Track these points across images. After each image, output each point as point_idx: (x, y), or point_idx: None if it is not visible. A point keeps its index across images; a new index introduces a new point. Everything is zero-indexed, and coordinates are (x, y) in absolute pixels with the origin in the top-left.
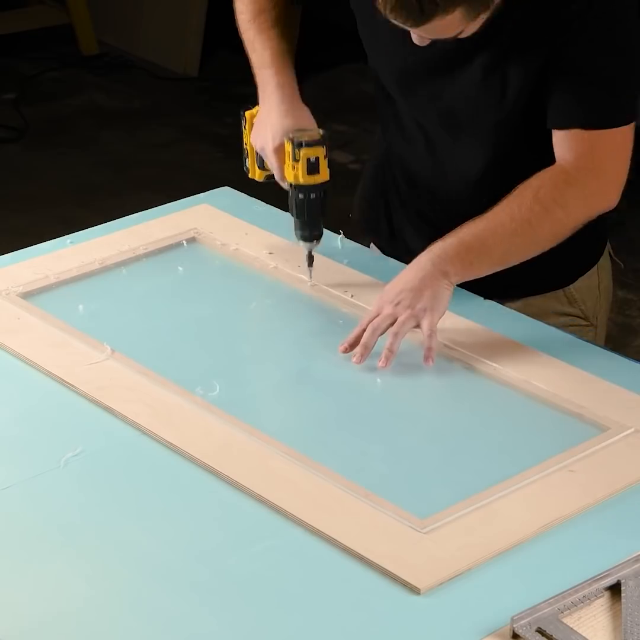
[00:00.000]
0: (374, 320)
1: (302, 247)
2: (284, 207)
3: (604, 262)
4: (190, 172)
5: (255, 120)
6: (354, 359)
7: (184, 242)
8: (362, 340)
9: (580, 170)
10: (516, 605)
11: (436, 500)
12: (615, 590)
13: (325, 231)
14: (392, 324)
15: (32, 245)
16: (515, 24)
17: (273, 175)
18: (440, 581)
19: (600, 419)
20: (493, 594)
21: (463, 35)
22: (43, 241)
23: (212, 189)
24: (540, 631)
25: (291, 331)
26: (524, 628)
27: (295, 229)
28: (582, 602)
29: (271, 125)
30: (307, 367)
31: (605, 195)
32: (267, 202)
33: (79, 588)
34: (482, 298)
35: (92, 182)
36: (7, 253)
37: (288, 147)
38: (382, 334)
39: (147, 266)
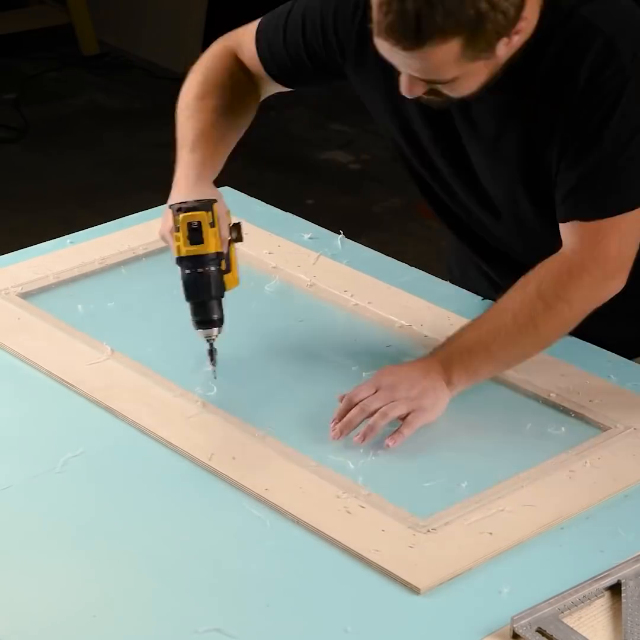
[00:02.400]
0: (367, 400)
1: (200, 337)
2: (284, 207)
3: None
4: None
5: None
6: (333, 434)
7: None
8: (348, 416)
9: (584, 261)
10: (516, 605)
11: (436, 500)
12: (615, 590)
13: (325, 231)
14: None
15: (32, 245)
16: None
17: None
18: (440, 581)
19: (600, 418)
20: (493, 594)
21: (460, 93)
22: (43, 241)
23: None
24: (540, 631)
25: (291, 331)
26: (524, 628)
27: (190, 315)
28: (582, 602)
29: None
30: (307, 367)
31: (610, 283)
32: (267, 202)
33: (80, 588)
34: (481, 298)
35: (92, 182)
36: (7, 253)
37: (171, 218)
38: (370, 416)
39: (147, 266)
